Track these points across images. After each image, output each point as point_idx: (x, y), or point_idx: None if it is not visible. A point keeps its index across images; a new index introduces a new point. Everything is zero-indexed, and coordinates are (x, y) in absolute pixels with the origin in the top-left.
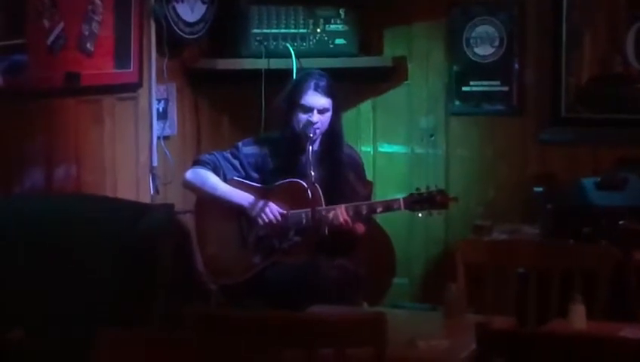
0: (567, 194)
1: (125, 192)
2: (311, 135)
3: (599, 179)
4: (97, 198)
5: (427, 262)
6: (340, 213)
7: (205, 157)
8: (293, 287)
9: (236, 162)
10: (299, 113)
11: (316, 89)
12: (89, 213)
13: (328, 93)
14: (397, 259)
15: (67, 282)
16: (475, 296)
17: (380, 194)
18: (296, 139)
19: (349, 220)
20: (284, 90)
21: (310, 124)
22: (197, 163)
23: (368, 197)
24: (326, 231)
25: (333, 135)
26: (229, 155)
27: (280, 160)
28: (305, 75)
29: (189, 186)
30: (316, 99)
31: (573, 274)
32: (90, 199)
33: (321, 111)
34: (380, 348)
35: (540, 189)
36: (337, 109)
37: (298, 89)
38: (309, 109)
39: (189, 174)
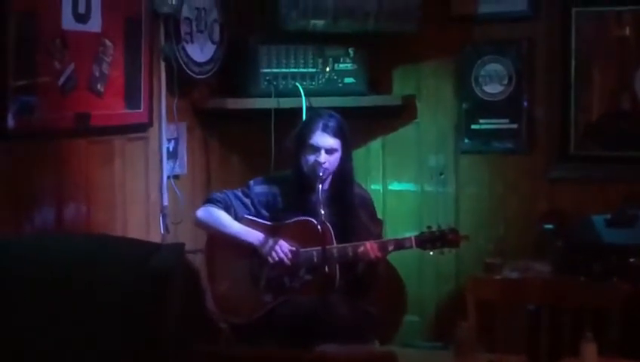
0: (577, 231)
1: (135, 231)
2: (320, 174)
3: (609, 216)
4: (108, 237)
5: (438, 300)
6: (371, 249)
7: (217, 195)
8: (304, 326)
9: (247, 201)
10: (307, 153)
11: (324, 129)
12: (99, 253)
13: (337, 133)
14: (408, 297)
15: (76, 322)
16: (487, 333)
17: (390, 233)
18: (307, 179)
19: (379, 256)
20: (294, 129)
21: (318, 164)
22: (208, 201)
23: (379, 235)
24: (337, 271)
25: (343, 175)
26: (240, 194)
27: (291, 199)
28: (314, 115)
29: (200, 224)
30: (324, 140)
31: (584, 311)
32: (100, 238)
33: (329, 152)
34: None
35: (550, 226)
36: (347, 149)
37: (307, 129)
38: (316, 149)
39: (201, 212)
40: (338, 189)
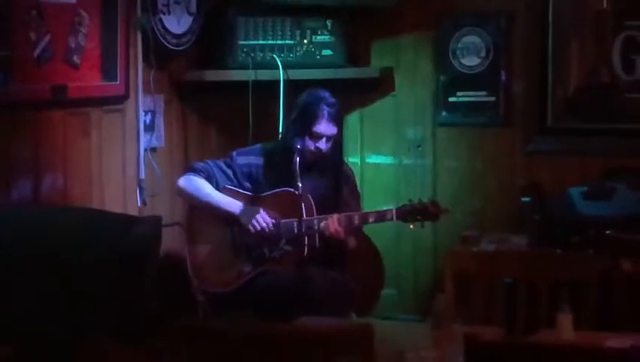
0: (554, 204)
1: (112, 204)
2: (317, 158)
3: (586, 189)
4: (85, 211)
5: (415, 273)
6: (331, 223)
7: (199, 165)
8: (283, 297)
9: (229, 171)
10: (308, 138)
11: (329, 118)
12: (76, 226)
13: (338, 120)
14: (385, 271)
15: (54, 295)
16: (464, 306)
17: (367, 205)
18: (293, 154)
19: (340, 230)
20: (294, 109)
21: (318, 150)
22: (190, 170)
23: (358, 210)
24: (317, 242)
25: (334, 155)
26: (222, 164)
27: (274, 171)
28: (317, 100)
29: (181, 193)
30: (329, 129)
31: (561, 283)
32: (77, 211)
33: (329, 138)
34: (368, 360)
35: (528, 199)
36: (341, 132)
37: (312, 115)
38: (319, 137)
39: (182, 181)
40: (327, 167)
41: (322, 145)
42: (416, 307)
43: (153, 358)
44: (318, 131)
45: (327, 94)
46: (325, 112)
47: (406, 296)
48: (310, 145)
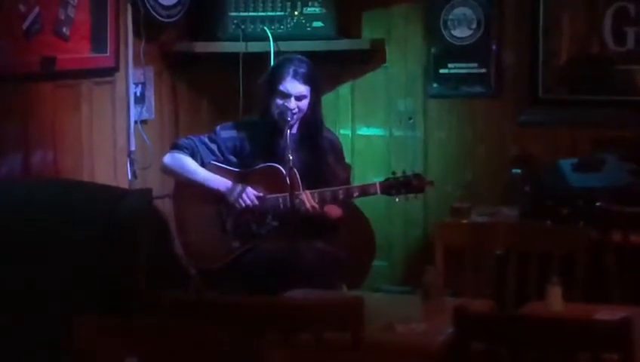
0: (545, 175)
1: (103, 177)
2: (288, 119)
3: (577, 161)
4: (75, 183)
5: (406, 245)
6: (307, 200)
7: (183, 141)
8: (272, 271)
9: (214, 146)
10: (276, 99)
11: (294, 76)
12: (66, 198)
13: (307, 80)
14: (376, 242)
15: (44, 268)
16: (454, 278)
17: (358, 177)
18: (275, 124)
19: (315, 206)
20: (264, 74)
21: (287, 110)
22: (175, 147)
23: (347, 180)
24: (295, 216)
25: (313, 120)
26: (206, 139)
27: (258, 144)
28: (284, 60)
29: (167, 171)
30: (294, 86)
31: (551, 255)
32: (67, 184)
33: (298, 98)
34: (357, 332)
35: (518, 171)
36: (317, 95)
37: (277, 74)
38: (286, 95)
39: (167, 159)
40: (307, 134)
41: (291, 104)
42: (407, 279)
43: (142, 332)
44: (283, 89)
45: (298, 56)
46: (290, 70)
47: (396, 268)
48: (280, 105)
